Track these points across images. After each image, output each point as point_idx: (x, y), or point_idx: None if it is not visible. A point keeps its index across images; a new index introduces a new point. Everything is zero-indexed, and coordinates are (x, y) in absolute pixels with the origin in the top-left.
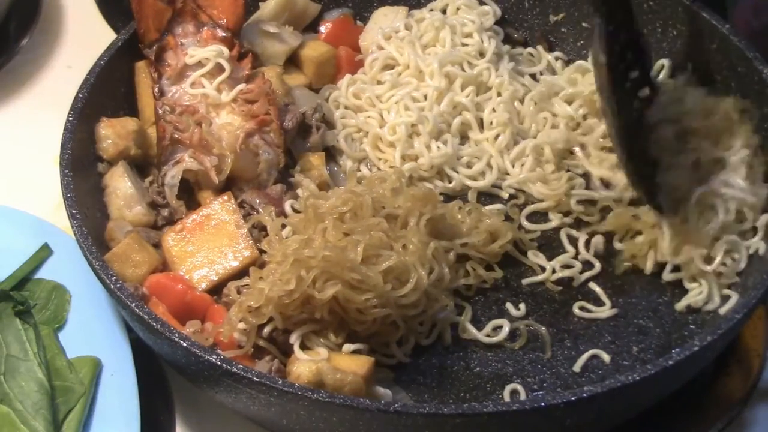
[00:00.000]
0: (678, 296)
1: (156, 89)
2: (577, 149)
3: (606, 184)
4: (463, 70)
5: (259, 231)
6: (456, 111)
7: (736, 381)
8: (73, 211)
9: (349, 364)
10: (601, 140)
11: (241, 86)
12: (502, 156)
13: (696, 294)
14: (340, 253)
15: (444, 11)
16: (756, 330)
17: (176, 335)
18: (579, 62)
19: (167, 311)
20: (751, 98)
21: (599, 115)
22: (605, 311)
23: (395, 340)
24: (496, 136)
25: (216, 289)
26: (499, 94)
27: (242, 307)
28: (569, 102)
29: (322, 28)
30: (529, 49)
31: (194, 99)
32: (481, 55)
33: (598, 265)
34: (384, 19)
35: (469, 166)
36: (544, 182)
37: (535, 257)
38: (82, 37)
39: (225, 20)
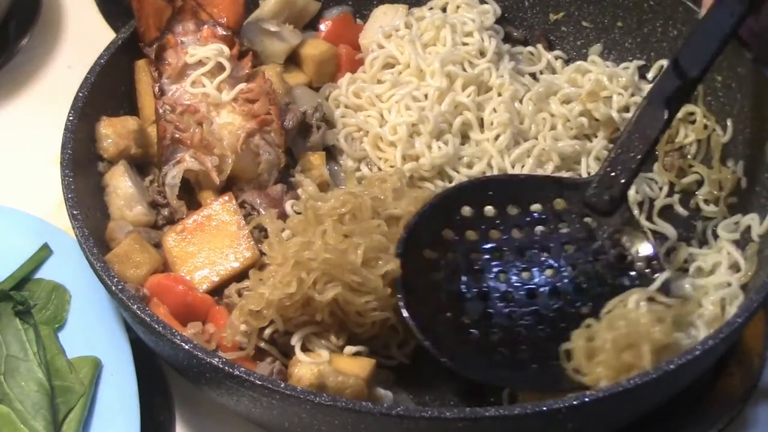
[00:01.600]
0: None
1: (156, 88)
2: (583, 159)
3: None
4: (464, 69)
5: (259, 232)
6: (457, 111)
7: (736, 381)
8: (74, 212)
9: (351, 366)
10: (603, 151)
11: (242, 85)
12: (503, 156)
13: None
14: (340, 256)
15: (444, 9)
16: (756, 330)
17: (178, 337)
18: (579, 62)
19: (168, 312)
20: (751, 98)
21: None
22: None
23: (396, 342)
24: (497, 137)
25: (217, 290)
26: (499, 94)
27: (243, 311)
28: (567, 102)
29: (322, 27)
30: (529, 48)
31: (195, 98)
32: (482, 54)
33: None
34: (384, 17)
35: (469, 166)
36: None
37: None
38: (82, 37)
39: (225, 18)
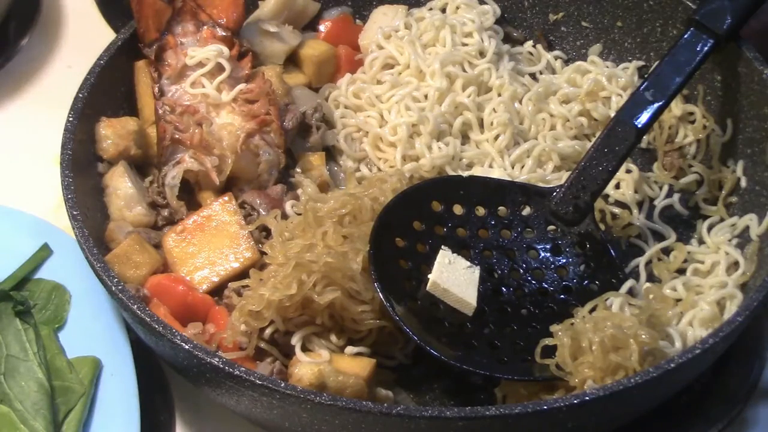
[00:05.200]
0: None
1: (156, 89)
2: None
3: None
4: (464, 70)
5: (260, 232)
6: (458, 111)
7: (736, 381)
8: (74, 212)
9: (351, 366)
10: None
11: (242, 86)
12: (503, 157)
13: None
14: (341, 261)
15: (443, 10)
16: (756, 330)
17: (178, 338)
18: (578, 63)
19: (168, 313)
20: (751, 98)
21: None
22: None
23: (397, 346)
24: (497, 137)
25: (217, 290)
26: (499, 95)
27: (243, 311)
28: (566, 102)
29: (322, 27)
30: (529, 48)
31: (194, 99)
32: (482, 54)
33: None
34: (383, 17)
35: (469, 166)
36: (544, 183)
37: None
38: (82, 37)
39: (225, 19)
